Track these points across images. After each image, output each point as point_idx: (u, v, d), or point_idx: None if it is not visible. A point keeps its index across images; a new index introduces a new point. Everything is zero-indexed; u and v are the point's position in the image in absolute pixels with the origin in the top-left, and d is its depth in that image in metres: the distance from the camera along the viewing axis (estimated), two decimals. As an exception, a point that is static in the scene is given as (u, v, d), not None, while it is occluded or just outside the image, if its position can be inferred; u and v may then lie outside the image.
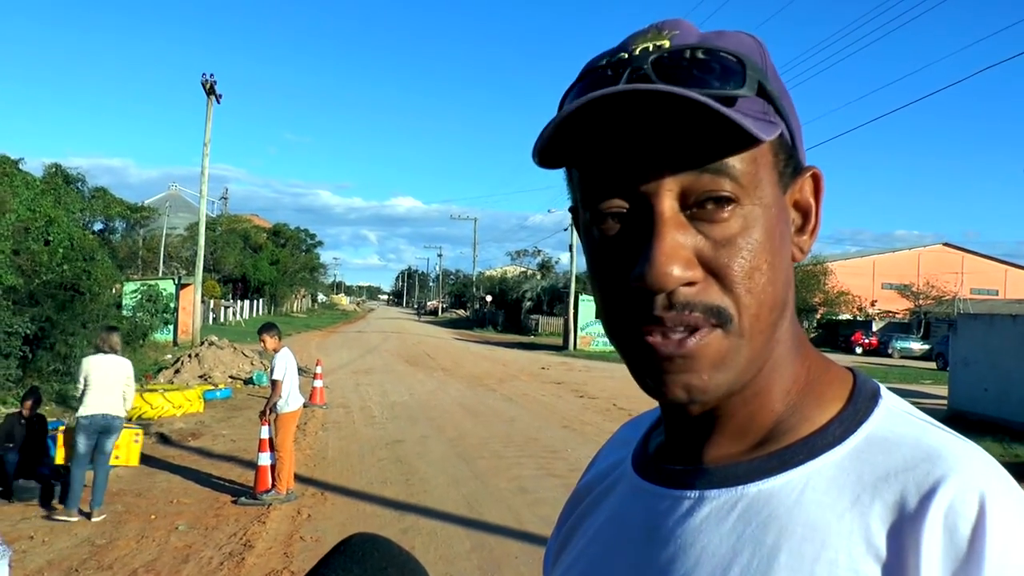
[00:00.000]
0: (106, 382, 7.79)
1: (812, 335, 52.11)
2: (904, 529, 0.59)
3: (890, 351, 44.42)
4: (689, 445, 0.72)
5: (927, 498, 0.59)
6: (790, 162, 0.69)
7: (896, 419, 0.67)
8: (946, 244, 67.07)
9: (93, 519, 7.44)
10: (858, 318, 54.17)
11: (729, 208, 0.63)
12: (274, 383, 8.42)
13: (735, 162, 0.62)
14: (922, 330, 49.55)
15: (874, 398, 0.69)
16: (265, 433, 8.44)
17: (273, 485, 8.28)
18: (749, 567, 0.62)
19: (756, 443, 0.69)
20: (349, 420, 13.91)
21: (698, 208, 0.63)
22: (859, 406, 0.69)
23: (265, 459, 8.32)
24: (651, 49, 0.64)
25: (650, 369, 0.65)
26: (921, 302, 53.81)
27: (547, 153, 0.65)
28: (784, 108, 0.67)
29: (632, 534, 0.73)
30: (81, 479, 7.56)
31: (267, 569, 6.29)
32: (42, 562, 6.33)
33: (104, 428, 7.72)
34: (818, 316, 53.44)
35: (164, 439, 11.48)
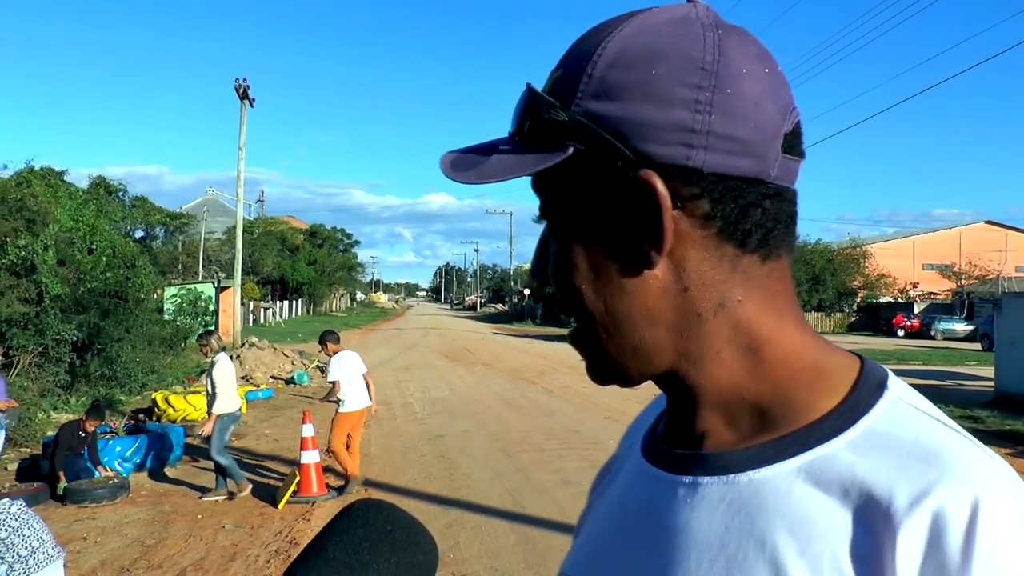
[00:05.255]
0: (234, 378, 9.04)
1: (852, 319, 51.58)
2: (886, 532, 0.57)
3: (933, 333, 43.71)
4: (688, 429, 0.72)
5: (916, 502, 0.57)
6: (606, 173, 0.67)
7: (899, 413, 0.64)
8: (988, 222, 65.93)
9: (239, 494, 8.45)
10: (899, 300, 53.43)
11: (546, 224, 0.74)
12: (332, 384, 8.90)
13: (541, 189, 0.73)
14: (965, 310, 48.67)
15: (879, 388, 0.66)
16: (308, 431, 8.54)
17: (346, 482, 8.72)
18: (735, 557, 0.62)
19: (752, 431, 0.68)
20: (391, 416, 13.99)
21: None
22: (861, 396, 0.66)
23: (309, 457, 8.41)
24: (530, 88, 0.71)
25: None
26: (964, 282, 52.96)
27: None
28: (601, 120, 0.66)
29: (633, 516, 0.73)
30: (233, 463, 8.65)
31: (314, 566, 6.35)
32: (95, 562, 6.46)
33: (239, 417, 9.00)
34: (858, 299, 52.82)
35: (208, 440, 11.60)
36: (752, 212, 0.66)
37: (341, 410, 8.75)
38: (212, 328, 10.16)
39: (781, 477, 0.63)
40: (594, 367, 0.74)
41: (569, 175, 0.69)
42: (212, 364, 8.77)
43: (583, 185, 0.68)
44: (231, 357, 16.14)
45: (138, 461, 9.68)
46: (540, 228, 0.76)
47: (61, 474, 8.45)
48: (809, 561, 0.59)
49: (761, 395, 0.68)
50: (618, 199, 0.67)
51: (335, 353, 9.03)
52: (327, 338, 9.28)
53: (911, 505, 0.57)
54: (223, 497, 8.35)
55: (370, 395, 9.17)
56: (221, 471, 8.48)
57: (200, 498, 8.40)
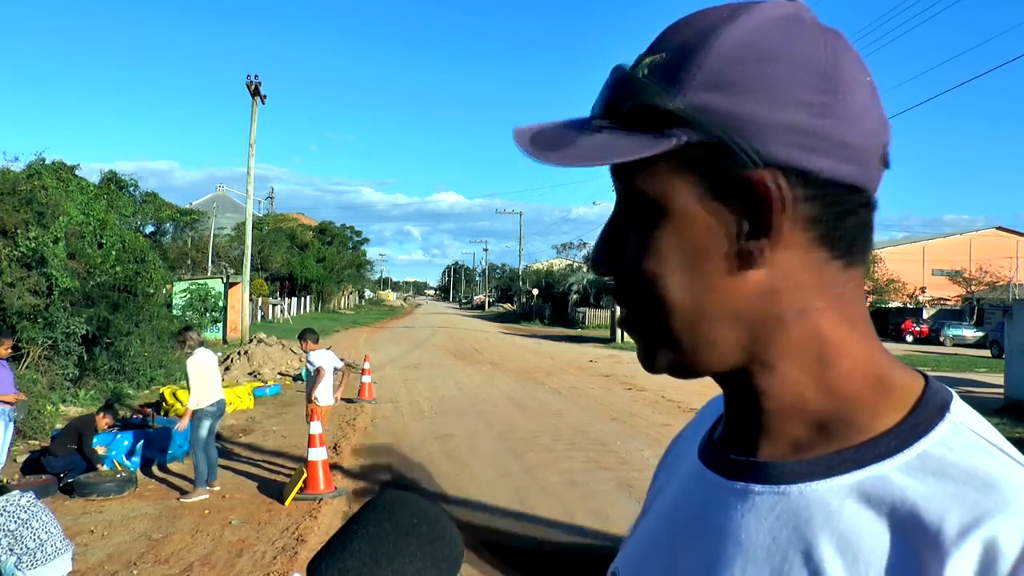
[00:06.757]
0: (217, 372, 9.12)
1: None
2: (933, 560, 0.55)
3: (942, 339, 43.47)
4: (746, 434, 0.71)
5: (966, 532, 0.55)
6: (715, 166, 0.65)
7: (959, 438, 0.62)
8: (1000, 228, 65.65)
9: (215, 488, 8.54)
10: (908, 306, 53.23)
11: (626, 215, 0.71)
12: (317, 370, 9.44)
13: (628, 178, 0.68)
14: (975, 317, 48.48)
15: (941, 411, 0.65)
16: (316, 428, 8.54)
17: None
18: (780, 569, 0.61)
19: (810, 442, 0.67)
20: (398, 415, 14.00)
21: None
22: (921, 418, 0.64)
23: (316, 454, 8.41)
24: (630, 71, 0.69)
25: None
26: (974, 288, 52.75)
27: None
28: (713, 112, 0.63)
29: (685, 518, 0.73)
30: (214, 460, 8.69)
31: (321, 563, 6.34)
32: (102, 556, 6.47)
33: (222, 413, 8.98)
34: (867, 304, 52.64)
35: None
36: (848, 219, 0.66)
37: (319, 404, 9.31)
38: (191, 325, 10.32)
39: (833, 493, 0.62)
40: (654, 355, 0.72)
41: (667, 165, 0.66)
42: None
43: (685, 177, 0.66)
44: (239, 354, 16.15)
45: (146, 455, 9.69)
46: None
47: (96, 452, 8.91)
48: None
49: (825, 408, 0.67)
50: (728, 196, 0.65)
51: (311, 351, 9.65)
52: (307, 335, 9.81)
53: (961, 534, 0.55)
54: (205, 496, 8.27)
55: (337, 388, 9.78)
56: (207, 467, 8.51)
57: (178, 499, 8.31)
